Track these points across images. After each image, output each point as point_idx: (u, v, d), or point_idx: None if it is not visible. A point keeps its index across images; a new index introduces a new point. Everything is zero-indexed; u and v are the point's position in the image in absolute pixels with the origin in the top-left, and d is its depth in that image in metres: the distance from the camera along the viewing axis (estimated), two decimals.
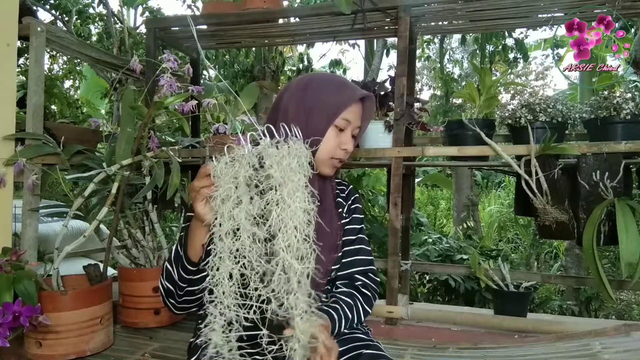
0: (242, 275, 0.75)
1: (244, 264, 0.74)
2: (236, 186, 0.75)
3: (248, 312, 0.75)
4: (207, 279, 0.77)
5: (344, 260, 1.08)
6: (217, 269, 0.75)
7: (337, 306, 1.00)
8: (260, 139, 0.79)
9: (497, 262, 2.74)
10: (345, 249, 1.09)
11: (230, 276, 0.75)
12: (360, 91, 1.01)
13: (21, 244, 1.88)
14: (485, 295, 3.84)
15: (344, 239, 1.09)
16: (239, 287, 0.75)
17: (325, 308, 0.99)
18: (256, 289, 0.74)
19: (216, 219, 0.76)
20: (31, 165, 1.81)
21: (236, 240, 0.74)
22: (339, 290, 1.07)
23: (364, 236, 1.13)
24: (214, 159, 0.78)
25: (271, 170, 0.73)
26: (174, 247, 0.94)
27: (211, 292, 0.77)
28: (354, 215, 1.13)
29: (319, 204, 0.80)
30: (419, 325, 1.92)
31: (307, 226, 0.74)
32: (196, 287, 0.93)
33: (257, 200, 0.75)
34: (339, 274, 1.08)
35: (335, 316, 0.98)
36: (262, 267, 0.74)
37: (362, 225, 1.14)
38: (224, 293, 0.75)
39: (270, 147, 0.76)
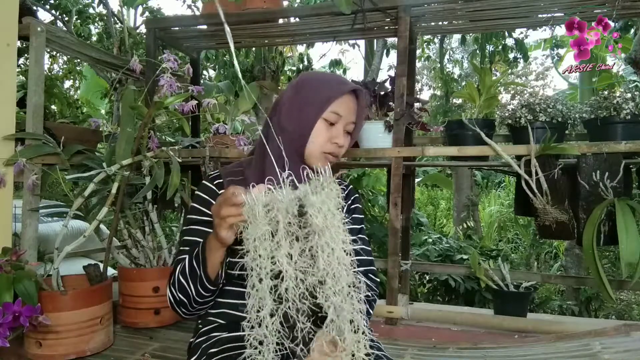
0: (284, 315, 0.75)
1: (288, 305, 0.74)
2: (273, 231, 0.74)
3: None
4: (247, 316, 0.76)
5: None
6: (259, 310, 0.75)
7: None
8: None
9: (497, 262, 2.74)
10: None
11: (272, 315, 0.75)
12: (351, 84, 1.02)
13: (21, 244, 1.88)
14: (485, 295, 3.84)
15: None
16: (282, 326, 0.76)
17: None
18: (304, 325, 0.75)
19: (250, 253, 0.76)
20: (31, 165, 1.81)
21: (280, 281, 0.74)
22: None
23: (364, 236, 1.13)
24: (248, 197, 0.76)
25: (315, 220, 0.72)
26: (186, 262, 0.93)
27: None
28: (353, 215, 1.12)
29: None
30: (419, 325, 1.92)
31: (351, 263, 0.75)
32: (211, 298, 0.95)
33: (298, 245, 0.75)
34: None
35: None
36: (307, 307, 0.75)
37: (362, 226, 1.14)
38: (267, 328, 0.75)
39: (310, 193, 0.75)
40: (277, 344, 0.75)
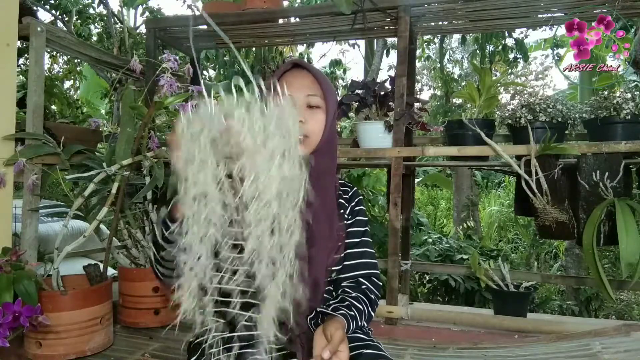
0: (214, 243, 0.71)
1: (214, 231, 0.69)
2: (199, 148, 0.68)
3: (220, 282, 0.72)
4: (180, 243, 0.73)
5: (347, 263, 1.07)
6: (187, 234, 0.70)
7: (353, 313, 0.99)
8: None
9: (497, 262, 2.74)
10: (349, 251, 1.08)
11: (201, 240, 0.70)
12: (292, 60, 1.01)
13: (21, 244, 1.87)
14: (485, 295, 3.83)
15: (347, 241, 1.08)
16: (210, 254, 0.71)
17: (343, 311, 0.98)
18: (228, 258, 0.70)
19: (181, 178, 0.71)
20: (31, 165, 1.81)
21: (204, 205, 0.68)
22: (350, 294, 1.05)
23: (368, 239, 1.12)
24: (180, 118, 0.71)
25: (239, 136, 0.66)
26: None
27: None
28: (357, 218, 1.11)
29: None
30: (419, 325, 1.92)
31: (296, 194, 0.68)
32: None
33: (224, 165, 0.69)
34: (342, 276, 1.07)
35: (352, 322, 0.97)
36: (233, 236, 0.69)
37: (367, 228, 1.12)
38: (194, 258, 0.70)
39: (238, 108, 0.67)
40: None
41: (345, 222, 1.09)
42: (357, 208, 1.12)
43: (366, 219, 1.13)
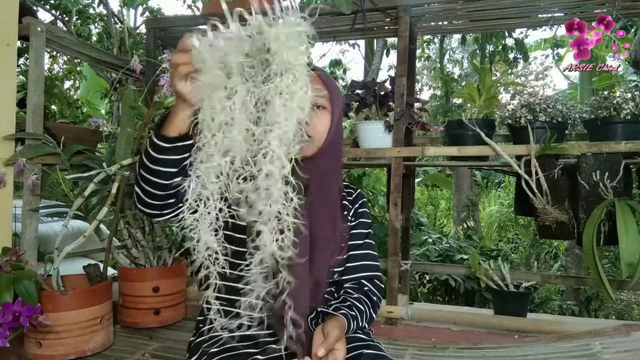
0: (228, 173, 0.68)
1: (232, 162, 0.66)
2: (227, 74, 0.65)
3: (229, 216, 0.69)
4: (192, 175, 0.71)
5: (349, 265, 1.07)
6: (206, 163, 0.67)
7: (354, 313, 0.99)
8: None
9: (497, 262, 2.74)
10: (352, 253, 1.08)
11: (219, 175, 0.68)
12: None
13: (21, 244, 1.87)
14: (485, 295, 3.83)
15: (350, 243, 1.08)
16: (224, 187, 0.69)
17: (344, 311, 0.98)
18: (241, 191, 0.67)
19: (202, 108, 0.68)
20: (31, 165, 1.81)
21: (227, 134, 0.65)
22: (352, 295, 1.05)
23: (371, 241, 1.12)
24: (194, 41, 0.67)
25: (273, 56, 0.62)
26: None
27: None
28: (360, 220, 1.11)
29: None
30: (419, 325, 1.92)
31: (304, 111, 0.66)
32: (160, 180, 0.86)
33: (255, 90, 0.65)
34: (344, 277, 1.07)
35: (352, 322, 0.97)
36: (250, 165, 0.66)
37: (370, 230, 1.12)
38: (211, 192, 0.68)
39: (266, 25, 0.63)
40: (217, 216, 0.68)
41: (348, 223, 1.09)
42: (360, 210, 1.12)
43: (369, 221, 1.13)
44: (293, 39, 0.63)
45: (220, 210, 0.70)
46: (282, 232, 0.69)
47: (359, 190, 1.16)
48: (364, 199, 1.15)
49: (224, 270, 0.73)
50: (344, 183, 1.15)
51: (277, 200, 0.66)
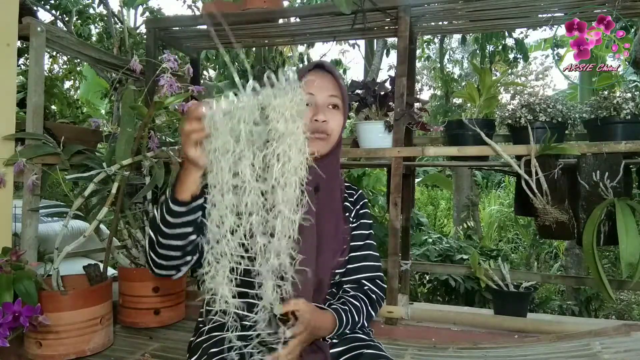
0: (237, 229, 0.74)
1: (248, 219, 0.72)
2: (236, 140, 0.71)
3: (249, 265, 0.75)
4: (208, 234, 0.75)
5: (351, 266, 1.07)
6: (221, 223, 0.73)
7: (346, 307, 1.00)
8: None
9: (497, 262, 2.74)
10: (353, 254, 1.08)
11: (233, 232, 0.73)
12: (314, 62, 1.04)
13: (21, 244, 1.87)
14: (485, 295, 3.83)
15: (352, 244, 1.08)
16: (240, 242, 0.74)
17: (335, 306, 0.98)
18: (258, 243, 0.73)
19: (212, 171, 0.74)
20: (31, 165, 1.81)
21: (241, 195, 0.71)
22: (348, 293, 1.06)
23: (372, 242, 1.12)
24: (207, 106, 0.73)
25: (276, 124, 0.70)
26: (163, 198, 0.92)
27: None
28: (362, 221, 1.12)
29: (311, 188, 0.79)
30: (419, 325, 1.92)
31: (302, 174, 0.72)
32: (179, 242, 0.90)
33: (259, 154, 0.72)
34: (345, 278, 1.07)
35: (343, 316, 0.98)
36: (263, 221, 0.72)
37: (371, 231, 1.13)
38: (227, 247, 0.73)
39: (273, 97, 0.71)
40: (234, 267, 0.74)
41: (350, 225, 1.10)
42: (362, 211, 1.13)
43: (370, 221, 1.14)
44: (290, 109, 0.71)
45: (233, 266, 0.76)
46: (282, 278, 0.75)
47: (360, 190, 1.16)
48: (365, 200, 1.15)
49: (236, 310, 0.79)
50: (346, 183, 1.15)
51: (285, 256, 0.73)
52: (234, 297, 0.76)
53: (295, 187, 0.71)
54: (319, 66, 1.03)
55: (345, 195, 1.12)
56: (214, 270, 0.74)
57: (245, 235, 0.73)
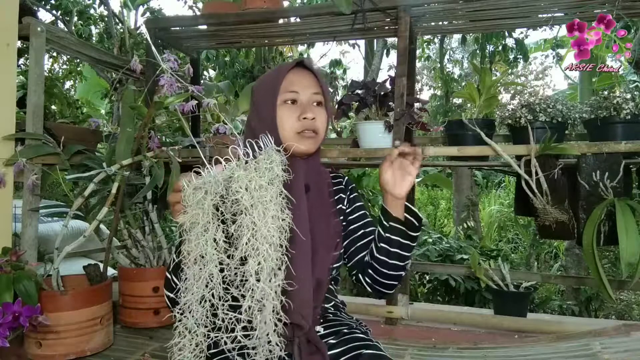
0: (211, 301, 0.76)
1: (212, 291, 0.75)
2: (204, 213, 0.74)
3: (219, 337, 0.76)
4: (181, 301, 0.78)
5: (362, 242, 1.09)
6: (189, 293, 0.76)
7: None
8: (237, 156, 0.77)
9: (497, 262, 2.74)
10: (354, 226, 1.11)
11: (201, 301, 0.76)
12: (296, 59, 1.04)
13: (21, 244, 1.87)
14: (485, 295, 3.83)
15: (352, 226, 1.11)
16: (209, 311, 0.76)
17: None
18: (226, 315, 0.75)
19: (186, 243, 0.77)
20: (31, 165, 1.81)
21: (203, 267, 0.74)
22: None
23: (370, 219, 1.14)
24: (183, 183, 0.77)
25: (239, 196, 0.72)
26: (173, 255, 0.94)
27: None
28: (356, 204, 1.14)
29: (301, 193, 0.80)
30: (419, 325, 1.92)
31: (281, 238, 0.73)
32: None
33: (226, 226, 0.74)
34: (359, 243, 1.09)
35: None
36: (231, 293, 0.74)
37: (365, 211, 1.15)
38: (194, 317, 0.76)
39: (238, 169, 0.74)
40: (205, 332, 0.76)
41: (345, 211, 1.12)
42: (352, 196, 1.15)
43: (362, 203, 1.17)
44: (255, 180, 0.73)
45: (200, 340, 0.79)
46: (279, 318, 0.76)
47: (346, 177, 1.18)
48: (353, 184, 1.18)
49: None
50: (328, 170, 1.16)
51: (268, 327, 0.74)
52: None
53: (268, 254, 0.71)
54: (300, 64, 1.03)
55: (334, 183, 1.13)
56: (183, 339, 0.78)
57: (213, 305, 0.75)
